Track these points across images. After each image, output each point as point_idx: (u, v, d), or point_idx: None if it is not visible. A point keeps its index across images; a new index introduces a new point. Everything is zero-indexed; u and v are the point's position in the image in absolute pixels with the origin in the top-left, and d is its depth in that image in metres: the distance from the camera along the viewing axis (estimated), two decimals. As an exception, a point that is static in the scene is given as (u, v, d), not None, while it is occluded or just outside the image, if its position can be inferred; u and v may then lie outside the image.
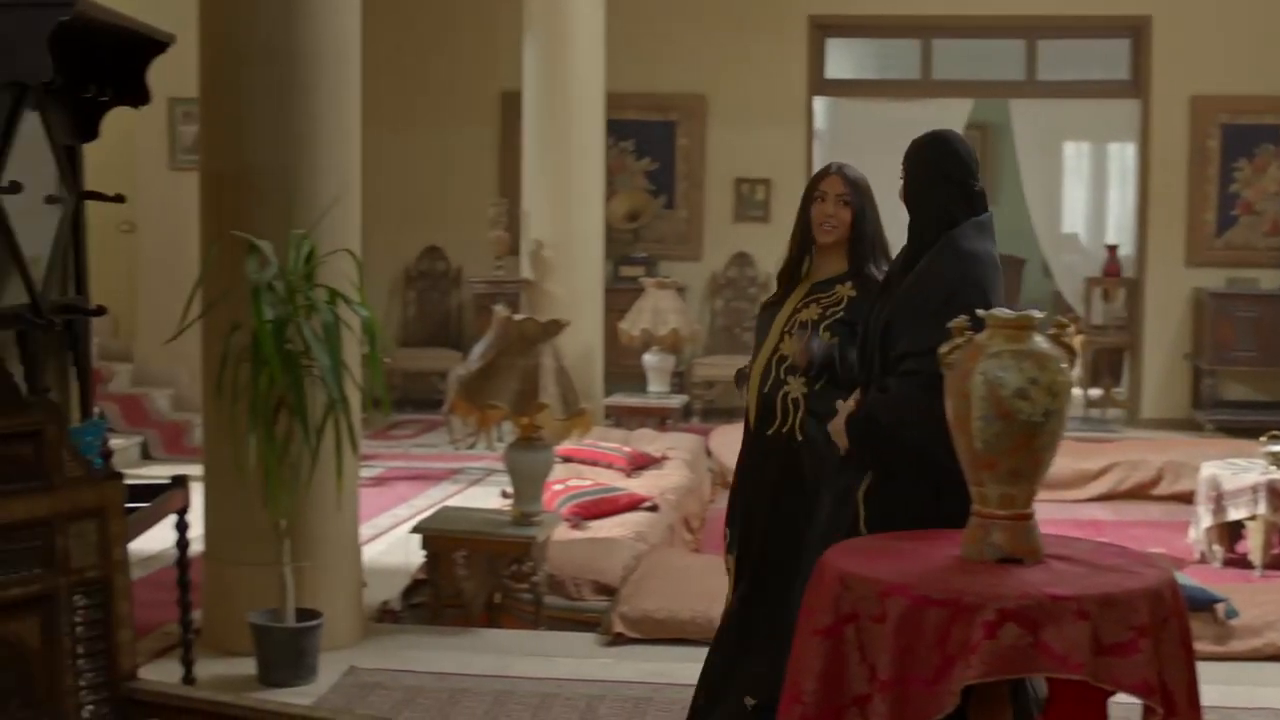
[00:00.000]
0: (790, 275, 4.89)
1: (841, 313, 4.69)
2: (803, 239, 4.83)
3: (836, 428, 4.30)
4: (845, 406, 4.30)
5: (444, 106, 13.23)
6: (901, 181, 4.32)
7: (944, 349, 3.67)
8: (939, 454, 3.81)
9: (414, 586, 6.85)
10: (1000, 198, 16.26)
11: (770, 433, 4.76)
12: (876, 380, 4.22)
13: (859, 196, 4.75)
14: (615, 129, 12.51)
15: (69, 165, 4.29)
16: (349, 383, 5.64)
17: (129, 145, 11.13)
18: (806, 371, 4.68)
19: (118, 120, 4.59)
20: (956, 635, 3.34)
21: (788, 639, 3.73)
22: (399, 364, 12.29)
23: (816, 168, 13.32)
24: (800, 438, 4.69)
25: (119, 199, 4.50)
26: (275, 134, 5.93)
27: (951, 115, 12.25)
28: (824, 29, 13.38)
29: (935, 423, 3.71)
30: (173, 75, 4.53)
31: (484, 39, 13.09)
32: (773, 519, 4.77)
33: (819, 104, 13.50)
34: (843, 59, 13.82)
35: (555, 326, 6.85)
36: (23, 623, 3.04)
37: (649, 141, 13.26)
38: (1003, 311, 3.63)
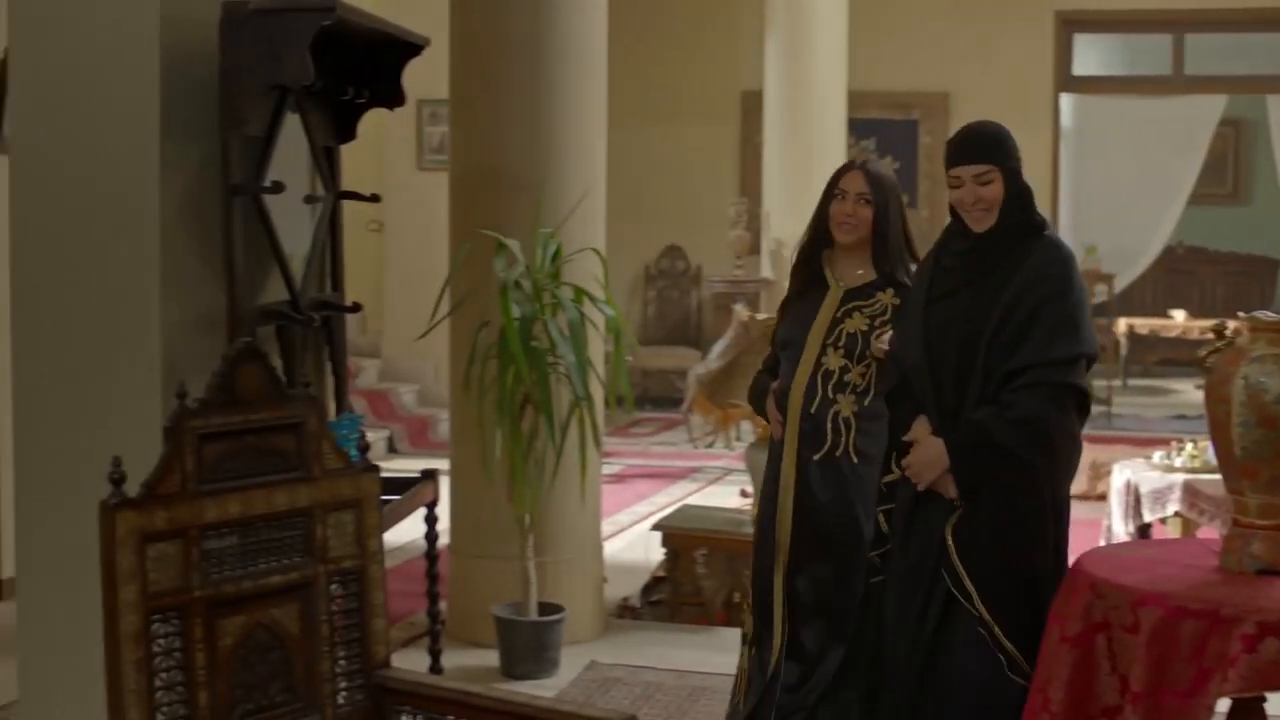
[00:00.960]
0: (805, 273, 4.57)
1: (891, 323, 4.36)
2: (817, 236, 4.52)
3: (927, 460, 3.81)
4: (927, 437, 3.83)
5: (685, 106, 13.29)
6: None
7: (1202, 353, 3.57)
8: (1060, 476, 3.80)
9: (654, 584, 6.90)
10: (1255, 196, 15.78)
11: (819, 457, 4.43)
12: (973, 399, 3.77)
13: (881, 194, 4.43)
14: (856, 127, 12.41)
15: (327, 165, 4.40)
16: (593, 380, 5.70)
17: (378, 146, 11.40)
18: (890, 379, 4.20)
19: (368, 121, 4.69)
20: (1213, 648, 3.25)
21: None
22: (638, 362, 12.38)
23: (1064, 167, 13.22)
24: (855, 460, 4.39)
25: (374, 199, 4.61)
26: (523, 133, 6.02)
27: (1204, 112, 11.95)
28: (1071, 24, 13.11)
29: (1066, 439, 3.77)
30: (422, 77, 4.63)
31: (725, 38, 13.12)
32: (826, 558, 4.45)
33: (1065, 101, 13.25)
34: (1090, 55, 13.53)
35: (797, 326, 6.83)
36: (283, 609, 3.13)
37: (891, 140, 13.15)
38: (1266, 314, 3.51)
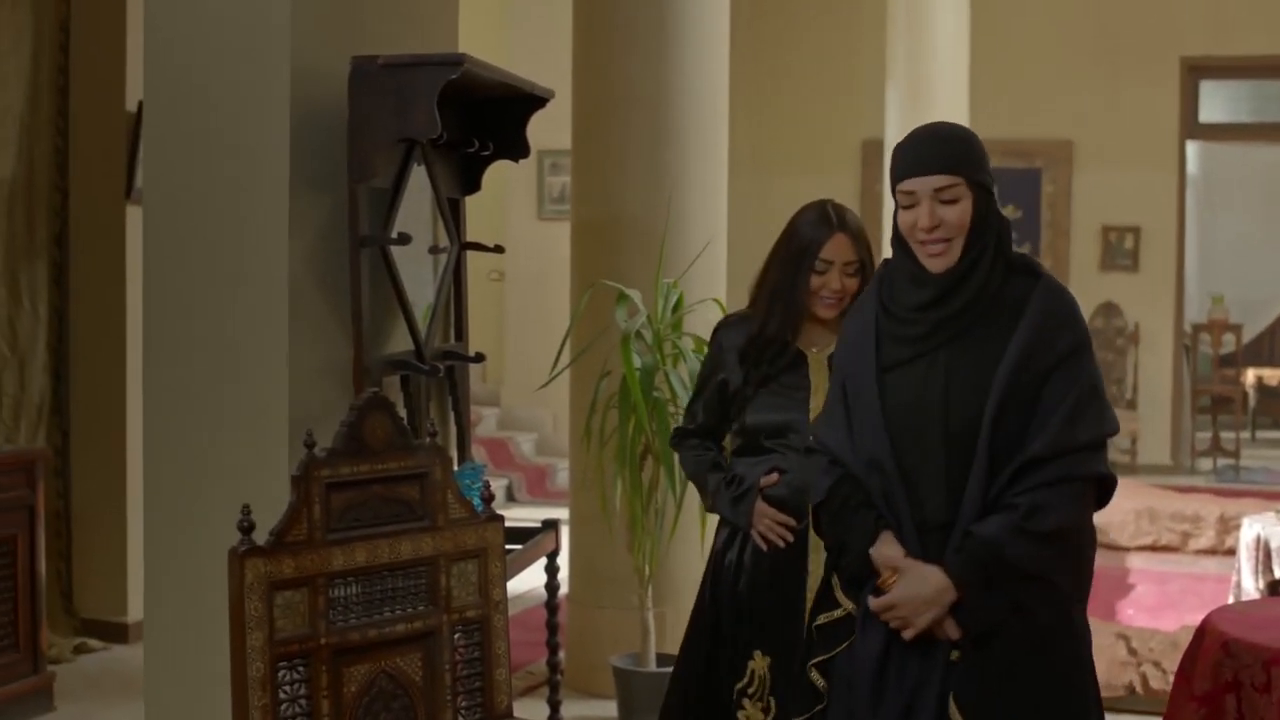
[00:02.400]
0: (766, 350, 3.88)
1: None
2: (789, 308, 3.83)
3: (923, 597, 2.90)
4: (913, 564, 2.93)
5: (804, 155, 13.28)
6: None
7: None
8: (1087, 597, 3.03)
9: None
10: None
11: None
12: (972, 505, 2.90)
13: (867, 255, 3.86)
14: (978, 176, 12.32)
15: (452, 217, 4.44)
16: (714, 430, 5.68)
17: (500, 196, 11.50)
18: None
19: (490, 172, 4.74)
20: (1352, 709, 3.17)
21: None
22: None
23: (1190, 215, 13.02)
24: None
25: (498, 249, 4.64)
26: (645, 182, 6.05)
27: (1335, 159, 11.70)
28: (1197, 71, 12.95)
29: (1093, 549, 3.03)
30: (543, 128, 4.66)
31: (845, 87, 13.10)
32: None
33: (1191, 148, 13.06)
34: (1217, 101, 13.35)
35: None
36: (407, 657, 3.15)
37: (1013, 189, 13.03)
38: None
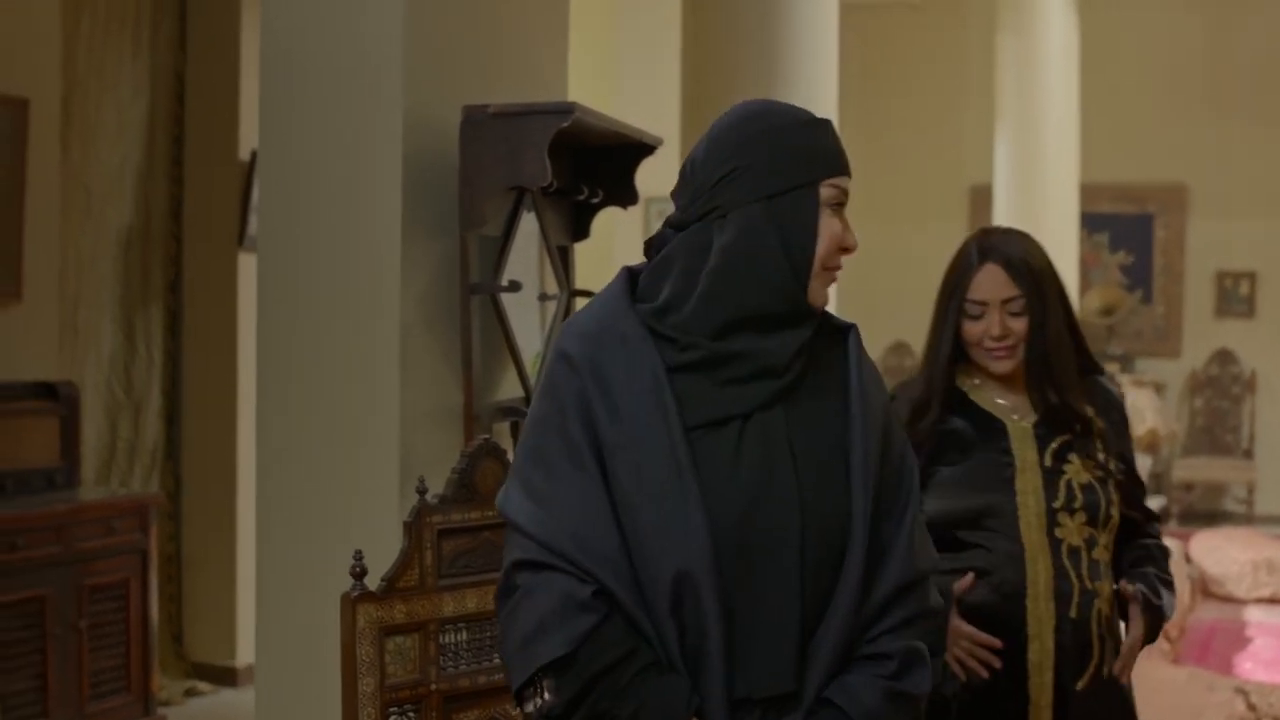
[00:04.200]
0: (932, 411, 3.09)
1: (1114, 462, 3.10)
2: (946, 371, 3.11)
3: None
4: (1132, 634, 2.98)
5: (912, 200, 13.22)
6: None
7: None
8: None
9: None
10: None
11: (1083, 684, 2.98)
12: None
13: (1032, 286, 3.04)
14: (1089, 222, 12.21)
15: (562, 264, 4.45)
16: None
17: (607, 244, 11.53)
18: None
19: (597, 219, 4.76)
20: None
21: None
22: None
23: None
24: (1126, 680, 3.04)
25: (607, 296, 4.64)
26: (753, 231, 6.03)
27: None
28: (1315, 113, 12.77)
29: None
30: (649, 176, 4.67)
31: (953, 132, 13.04)
32: None
33: (1309, 193, 12.86)
34: (1336, 145, 13.13)
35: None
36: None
37: (1125, 234, 12.90)
38: None
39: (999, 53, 11.22)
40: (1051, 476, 3.02)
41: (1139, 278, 12.89)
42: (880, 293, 13.10)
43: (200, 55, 7.12)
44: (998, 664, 2.89)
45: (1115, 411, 3.14)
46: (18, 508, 5.50)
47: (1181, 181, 12.77)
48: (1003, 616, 2.95)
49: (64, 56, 6.37)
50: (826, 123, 2.37)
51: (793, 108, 2.38)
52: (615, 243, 11.97)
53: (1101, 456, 3.05)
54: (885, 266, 13.18)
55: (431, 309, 3.90)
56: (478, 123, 3.91)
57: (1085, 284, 12.26)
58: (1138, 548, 3.15)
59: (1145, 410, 10.93)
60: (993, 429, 3.07)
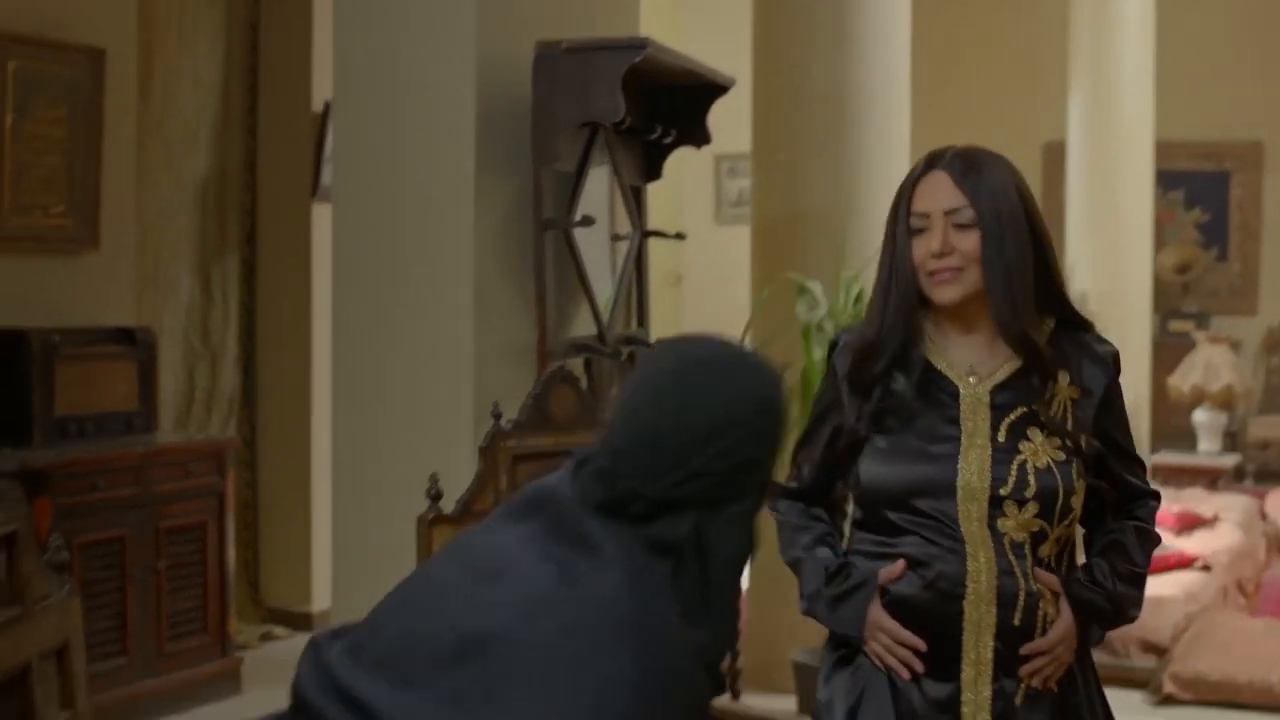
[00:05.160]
0: (872, 366, 2.64)
1: (1087, 437, 2.61)
2: (903, 301, 2.63)
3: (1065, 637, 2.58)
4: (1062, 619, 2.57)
5: (985, 158, 13.09)
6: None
7: None
8: None
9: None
10: None
11: (1021, 702, 2.58)
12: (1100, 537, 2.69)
13: (991, 199, 2.59)
14: (1164, 179, 12.07)
15: (635, 204, 4.46)
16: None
17: (676, 201, 11.53)
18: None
19: (667, 176, 4.76)
20: None
21: None
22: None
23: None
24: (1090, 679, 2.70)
25: (680, 237, 4.66)
26: (826, 177, 6.01)
27: None
28: (1395, 68, 12.57)
29: None
30: (719, 131, 4.67)
31: (1027, 89, 12.91)
32: None
33: (1388, 150, 12.68)
34: None
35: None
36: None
37: (1200, 191, 12.74)
38: None
39: (1073, 7, 11.09)
40: (1003, 455, 2.56)
41: (1215, 235, 12.73)
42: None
43: (274, 5, 7.16)
44: (920, 667, 2.57)
45: (1100, 373, 2.64)
46: (97, 450, 5.58)
47: (1258, 139, 12.59)
48: (935, 616, 2.56)
49: (140, 7, 6.41)
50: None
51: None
52: (686, 200, 11.97)
53: (1070, 428, 2.58)
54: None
55: (505, 245, 3.92)
56: (550, 59, 3.93)
57: (1160, 241, 12.13)
58: (1108, 533, 2.71)
59: (1221, 368, 10.81)
60: (941, 391, 2.61)
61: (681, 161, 10.69)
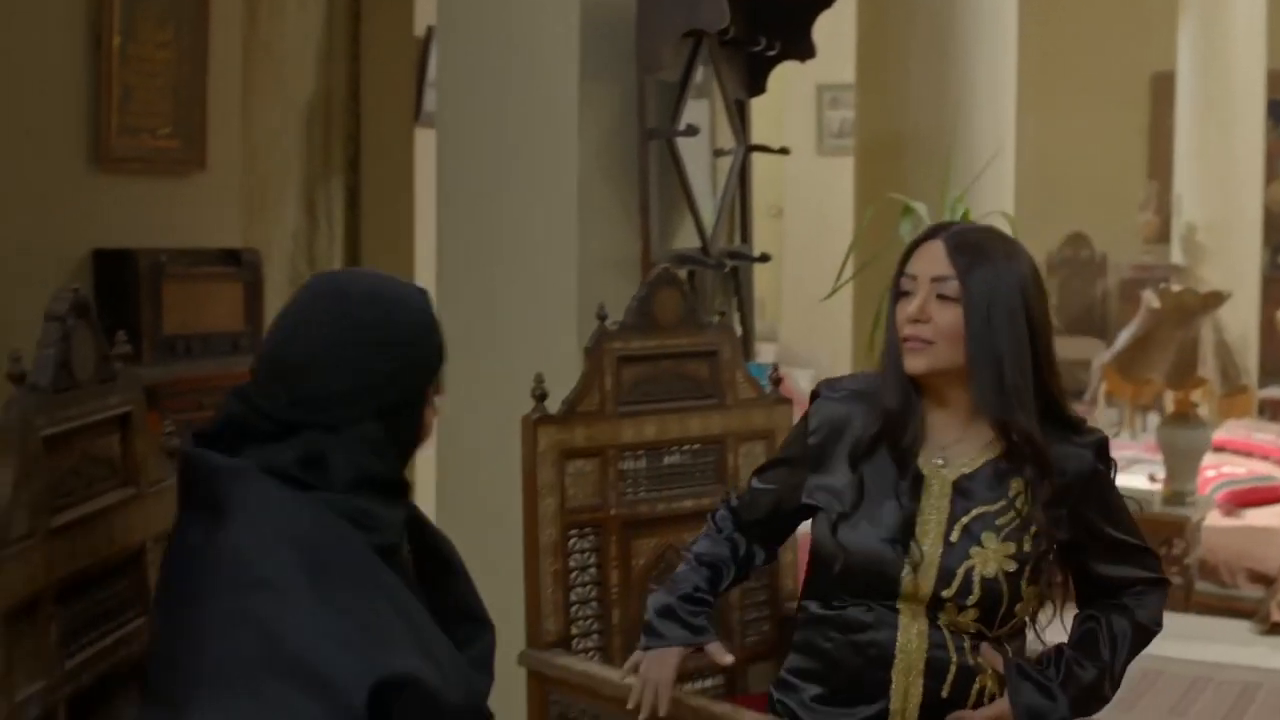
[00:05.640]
0: (905, 434, 2.58)
1: (1044, 548, 2.52)
2: (896, 364, 2.57)
3: None
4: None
5: (1091, 89, 12.89)
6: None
7: None
8: None
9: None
10: None
11: None
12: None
13: (982, 278, 2.48)
14: (1277, 110, 11.82)
15: (739, 118, 4.42)
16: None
17: (778, 131, 11.45)
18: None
19: (769, 105, 4.71)
20: None
21: None
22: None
23: None
24: None
25: (784, 151, 4.62)
26: (932, 97, 5.96)
27: None
28: None
29: None
30: (821, 61, 4.62)
31: (1135, 18, 12.68)
32: None
33: None
34: None
35: (1215, 299, 6.58)
36: (694, 534, 3.16)
37: (1309, 127, 12.48)
38: None
39: (1184, -66, 10.90)
40: (952, 559, 2.51)
41: (1323, 172, 12.50)
42: (1058, 183, 12.83)
43: (377, -71, 7.18)
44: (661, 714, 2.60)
45: (1080, 463, 2.58)
46: (204, 369, 5.63)
47: (1373, 68, 12.32)
48: (865, 680, 2.55)
49: (246, -70, 6.45)
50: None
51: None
52: (786, 130, 11.88)
53: (1032, 550, 2.51)
54: (1063, 157, 12.90)
55: (609, 155, 3.91)
56: (656, -34, 3.89)
57: (1270, 174, 11.89)
58: (1086, 620, 2.66)
59: (1334, 300, 10.64)
60: (908, 472, 2.55)
61: (783, 91, 10.61)
